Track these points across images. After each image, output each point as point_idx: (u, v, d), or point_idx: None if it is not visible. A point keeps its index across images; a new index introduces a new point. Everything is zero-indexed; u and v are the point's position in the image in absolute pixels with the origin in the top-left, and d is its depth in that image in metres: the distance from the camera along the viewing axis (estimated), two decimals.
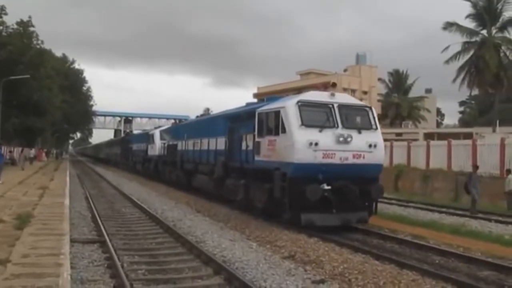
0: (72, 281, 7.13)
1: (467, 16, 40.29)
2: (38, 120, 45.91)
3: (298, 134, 12.70)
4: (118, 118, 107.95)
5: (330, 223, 12.84)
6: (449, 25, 39.74)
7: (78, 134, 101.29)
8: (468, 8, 40.36)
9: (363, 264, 9.43)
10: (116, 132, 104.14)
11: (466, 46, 40.65)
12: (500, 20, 39.58)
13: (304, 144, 12.54)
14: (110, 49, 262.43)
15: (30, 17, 42.29)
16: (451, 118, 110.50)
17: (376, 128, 13.86)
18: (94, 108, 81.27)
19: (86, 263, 9.28)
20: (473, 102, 78.86)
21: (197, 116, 28.27)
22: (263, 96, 52.78)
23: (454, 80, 41.24)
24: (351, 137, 12.97)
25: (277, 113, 13.58)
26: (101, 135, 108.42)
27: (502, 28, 39.66)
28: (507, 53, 39.77)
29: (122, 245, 11.16)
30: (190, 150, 23.92)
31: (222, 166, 18.08)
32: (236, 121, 17.46)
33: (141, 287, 7.93)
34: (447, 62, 40.82)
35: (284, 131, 13.10)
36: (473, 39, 40.61)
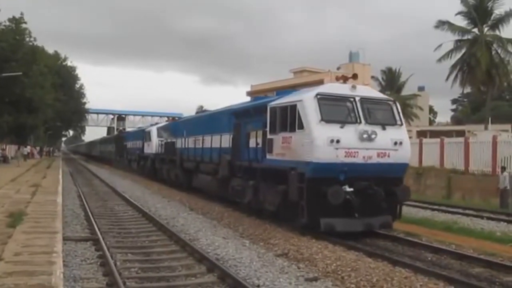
0: (64, 279, 7.11)
1: (458, 14, 40.44)
2: (31, 118, 45.65)
3: (318, 130, 11.55)
4: (111, 116, 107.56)
5: (352, 228, 11.75)
6: (441, 24, 39.85)
7: (71, 132, 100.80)
8: (459, 6, 40.54)
9: (356, 261, 9.45)
10: (109, 130, 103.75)
11: (458, 44, 40.78)
12: (491, 18, 39.75)
13: (325, 141, 11.41)
14: (96, 46, 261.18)
15: (22, 13, 42.04)
16: (444, 116, 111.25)
17: (401, 124, 12.75)
18: (87, 106, 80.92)
19: (79, 261, 9.27)
20: (465, 100, 79.21)
21: (197, 112, 27.13)
22: (257, 94, 52.88)
23: (447, 78, 41.42)
24: (375, 134, 11.89)
25: (293, 107, 12.36)
26: (94, 133, 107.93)
27: (494, 26, 39.82)
28: (499, 51, 39.94)
29: (115, 243, 11.14)
30: (190, 148, 22.62)
31: (227, 165, 16.81)
32: (242, 117, 16.24)
33: (134, 285, 7.92)
34: (439, 60, 40.97)
35: (301, 127, 11.93)
36: (465, 37, 40.76)
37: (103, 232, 12.08)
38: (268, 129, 13.48)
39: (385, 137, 12.11)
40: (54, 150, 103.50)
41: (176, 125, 28.30)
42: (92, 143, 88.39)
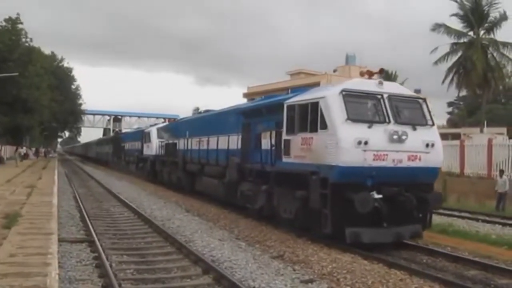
0: (60, 280, 7.08)
1: (453, 15, 40.59)
2: (26, 118, 45.52)
3: (344, 130, 10.53)
4: (107, 117, 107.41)
5: (381, 239, 10.77)
6: (437, 26, 40.00)
7: (67, 133, 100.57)
8: (454, 9, 40.71)
9: (352, 263, 9.47)
10: (105, 131, 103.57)
11: (454, 47, 40.94)
12: (488, 21, 39.92)
13: (351, 143, 10.40)
14: (89, 47, 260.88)
15: (18, 14, 41.95)
16: (440, 119, 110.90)
17: (433, 124, 11.77)
18: (83, 107, 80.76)
19: (74, 263, 9.25)
20: (461, 103, 79.40)
21: (199, 112, 24.97)
22: (253, 96, 52.90)
23: (443, 81, 41.55)
24: (406, 135, 10.92)
25: (314, 105, 11.29)
26: (90, 134, 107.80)
27: (489, 30, 40.01)
28: (494, 54, 40.11)
29: (110, 245, 11.12)
30: (194, 149, 21.40)
31: (236, 168, 15.62)
32: (253, 116, 15.15)
33: (130, 286, 7.91)
34: (435, 63, 41.10)
35: (324, 126, 10.90)
36: (461, 40, 40.93)
37: (98, 234, 12.05)
38: (284, 129, 12.45)
39: (416, 138, 11.14)
40: (49, 151, 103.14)
41: (178, 126, 27.13)
42: (88, 144, 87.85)
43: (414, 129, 11.23)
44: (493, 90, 44.37)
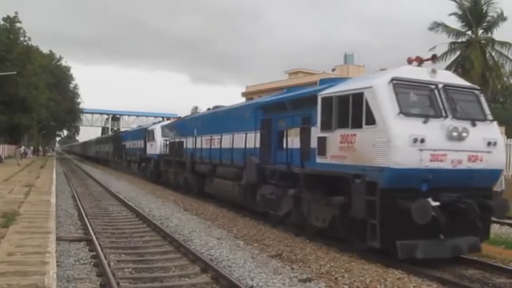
0: (58, 279, 7.09)
1: (451, 14, 40.63)
2: (24, 117, 45.52)
3: (397, 126, 9.11)
4: (106, 116, 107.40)
5: (438, 254, 9.33)
6: (436, 25, 40.02)
7: (65, 132, 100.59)
8: (454, 9, 40.73)
9: (350, 262, 9.48)
10: (104, 130, 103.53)
11: (452, 47, 40.98)
12: (486, 20, 39.97)
13: (406, 140, 9.00)
14: (86, 46, 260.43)
15: (16, 13, 41.96)
16: None
17: (492, 120, 10.34)
18: (81, 106, 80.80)
19: (72, 261, 9.24)
20: None
21: (208, 109, 23.40)
22: (252, 95, 52.91)
23: None
24: (467, 132, 9.54)
25: (357, 97, 9.82)
26: (88, 133, 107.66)
27: (488, 29, 40.05)
28: (493, 53, 40.16)
29: (108, 243, 11.12)
30: (204, 148, 19.67)
31: (255, 170, 14.11)
32: (274, 111, 13.72)
33: (128, 285, 7.90)
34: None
35: (371, 121, 9.45)
36: (460, 40, 40.97)
37: (96, 233, 12.06)
38: (319, 125, 10.94)
39: (476, 135, 9.73)
40: (48, 150, 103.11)
41: (184, 124, 25.14)
42: (87, 143, 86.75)
43: (474, 125, 9.81)
44: (491, 90, 44.42)
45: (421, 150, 9.07)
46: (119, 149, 45.31)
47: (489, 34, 40.24)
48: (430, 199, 8.94)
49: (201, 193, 20.50)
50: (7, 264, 6.89)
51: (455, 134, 9.42)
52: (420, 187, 9.21)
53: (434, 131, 9.31)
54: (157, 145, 29.23)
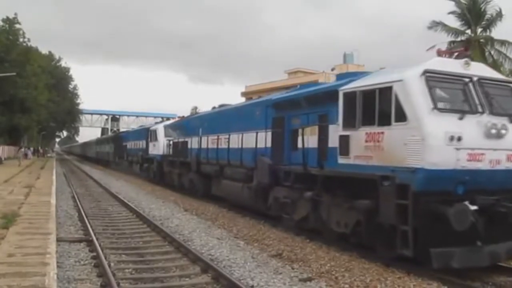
0: (58, 280, 7.09)
1: (450, 13, 40.64)
2: (24, 118, 45.53)
3: (431, 122, 8.37)
4: (105, 117, 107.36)
5: (476, 262, 8.59)
6: (435, 24, 40.04)
7: (65, 133, 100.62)
8: (453, 8, 40.75)
9: (350, 262, 9.50)
10: (103, 130, 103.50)
11: (452, 46, 41.00)
12: (485, 19, 39.99)
13: (442, 138, 8.27)
14: (84, 46, 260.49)
15: (16, 14, 42.00)
16: None
17: None
18: (80, 107, 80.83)
19: (72, 262, 9.24)
20: None
21: (213, 107, 22.61)
22: (251, 95, 52.90)
23: None
24: (506, 129, 8.81)
25: (385, 91, 9.07)
26: (87, 133, 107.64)
27: (486, 28, 40.08)
28: (492, 52, 40.17)
29: (109, 244, 11.12)
30: (211, 148, 18.87)
31: (267, 171, 13.30)
32: (287, 109, 13.05)
33: (129, 286, 7.90)
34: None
35: (402, 118, 8.70)
36: (459, 39, 40.99)
37: (97, 233, 12.05)
38: (340, 122, 10.18)
39: None
40: (47, 150, 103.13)
41: (188, 123, 24.34)
42: (87, 144, 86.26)
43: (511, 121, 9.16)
44: None
45: (457, 149, 8.36)
46: (120, 150, 44.61)
47: (488, 33, 40.29)
48: (467, 203, 8.31)
49: (207, 195, 19.89)
50: (8, 265, 6.89)
51: (493, 131, 8.72)
52: (455, 189, 8.48)
53: (471, 128, 8.60)
54: (160, 145, 28.63)
